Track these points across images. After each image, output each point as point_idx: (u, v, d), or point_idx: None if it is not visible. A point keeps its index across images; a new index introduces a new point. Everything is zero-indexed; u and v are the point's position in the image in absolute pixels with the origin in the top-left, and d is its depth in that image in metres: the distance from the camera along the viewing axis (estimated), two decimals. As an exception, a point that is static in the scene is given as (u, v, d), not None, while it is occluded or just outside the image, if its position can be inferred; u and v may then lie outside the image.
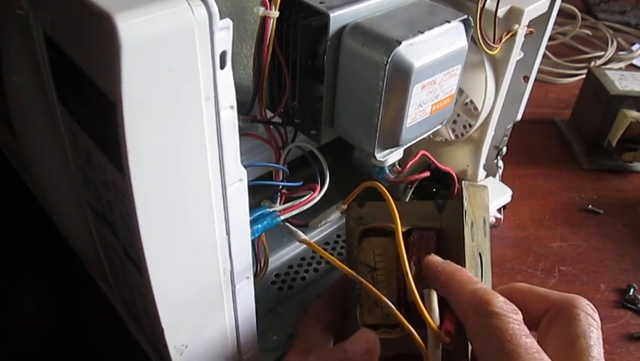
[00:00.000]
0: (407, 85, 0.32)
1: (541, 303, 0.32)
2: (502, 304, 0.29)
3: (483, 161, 0.53)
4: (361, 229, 0.37)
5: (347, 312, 0.39)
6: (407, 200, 0.46)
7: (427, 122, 0.36)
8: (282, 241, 0.51)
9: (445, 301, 0.33)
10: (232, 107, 0.26)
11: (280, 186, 0.37)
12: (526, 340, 0.27)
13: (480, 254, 0.37)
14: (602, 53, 0.91)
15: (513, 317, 0.28)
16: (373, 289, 0.34)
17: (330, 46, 0.32)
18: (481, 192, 0.39)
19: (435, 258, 0.34)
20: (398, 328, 0.36)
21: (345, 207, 0.38)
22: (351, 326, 0.38)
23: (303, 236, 0.38)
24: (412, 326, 0.33)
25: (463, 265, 0.34)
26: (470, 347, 0.33)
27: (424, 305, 0.32)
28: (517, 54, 0.46)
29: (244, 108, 0.34)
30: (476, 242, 0.36)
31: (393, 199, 0.34)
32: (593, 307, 0.31)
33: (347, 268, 0.35)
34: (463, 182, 0.35)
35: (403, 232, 0.34)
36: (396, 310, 0.33)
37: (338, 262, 0.35)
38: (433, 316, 0.32)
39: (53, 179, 0.38)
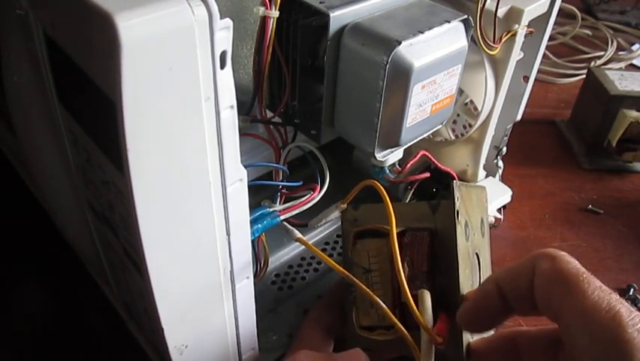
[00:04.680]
0: (407, 85, 0.32)
1: (524, 278, 0.29)
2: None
3: (483, 161, 0.53)
4: (355, 230, 0.37)
5: (344, 314, 0.38)
6: (407, 201, 0.46)
7: (427, 122, 0.36)
8: (282, 241, 0.51)
9: (439, 303, 0.33)
10: (232, 107, 0.26)
11: (280, 186, 0.37)
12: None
13: (477, 255, 0.37)
14: (602, 53, 0.91)
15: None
16: (365, 288, 0.34)
17: (330, 46, 0.32)
18: (479, 193, 0.39)
19: (465, 303, 0.32)
20: (393, 329, 0.35)
21: (344, 206, 0.38)
22: (348, 328, 0.38)
23: (298, 235, 0.38)
24: (407, 327, 0.32)
25: (456, 265, 0.33)
26: (465, 346, 0.33)
27: (417, 306, 0.32)
28: (517, 54, 0.46)
29: (244, 108, 0.34)
30: (472, 242, 0.36)
31: (389, 200, 0.34)
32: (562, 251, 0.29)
33: (339, 267, 0.35)
34: (455, 182, 0.35)
35: (396, 233, 0.34)
36: (386, 308, 0.33)
37: (332, 261, 0.35)
38: (426, 316, 0.32)
39: (53, 179, 0.38)
